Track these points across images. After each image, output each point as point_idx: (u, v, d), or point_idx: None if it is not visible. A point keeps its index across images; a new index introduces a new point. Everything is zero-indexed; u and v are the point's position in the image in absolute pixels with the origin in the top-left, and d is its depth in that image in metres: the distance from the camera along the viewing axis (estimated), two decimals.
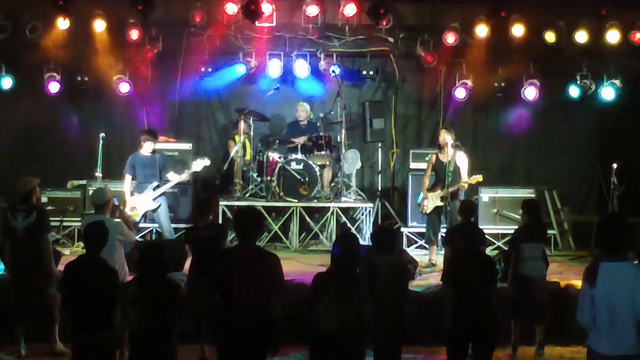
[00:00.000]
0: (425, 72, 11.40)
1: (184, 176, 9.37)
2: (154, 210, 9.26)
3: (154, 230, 10.04)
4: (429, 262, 9.06)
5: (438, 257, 9.06)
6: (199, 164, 9.51)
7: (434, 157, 9.07)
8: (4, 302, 7.08)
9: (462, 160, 8.90)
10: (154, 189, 9.14)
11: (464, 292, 5.78)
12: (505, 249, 8.95)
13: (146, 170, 9.21)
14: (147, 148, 9.24)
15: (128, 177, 9.22)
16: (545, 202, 10.69)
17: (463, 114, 11.55)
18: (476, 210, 8.01)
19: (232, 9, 10.51)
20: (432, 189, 9.03)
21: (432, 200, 8.95)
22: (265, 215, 9.71)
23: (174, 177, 9.26)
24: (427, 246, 9.59)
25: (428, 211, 9.05)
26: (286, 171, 10.27)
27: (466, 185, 8.81)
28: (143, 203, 9.13)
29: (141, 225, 9.67)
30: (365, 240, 10.00)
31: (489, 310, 5.79)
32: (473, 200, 8.69)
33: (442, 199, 8.76)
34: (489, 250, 9.65)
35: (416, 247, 10.30)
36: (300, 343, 5.75)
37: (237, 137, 10.55)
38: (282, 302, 5.19)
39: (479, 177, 8.86)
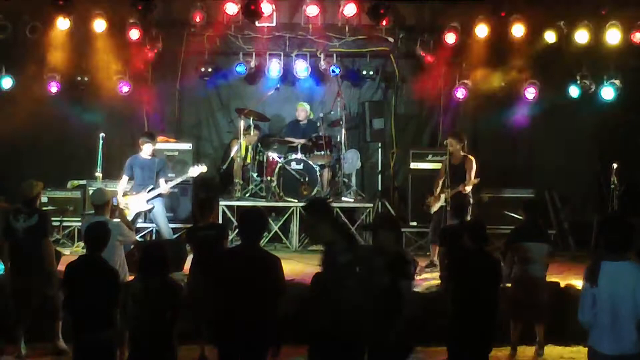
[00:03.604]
0: (425, 72, 11.38)
1: (168, 187, 9.30)
2: (149, 211, 9.27)
3: (154, 230, 10.04)
4: (429, 262, 9.06)
5: None
6: (195, 170, 9.52)
7: (447, 160, 9.12)
8: (4, 302, 7.10)
9: (469, 164, 8.94)
10: (148, 191, 9.15)
11: (464, 292, 5.78)
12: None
13: (144, 173, 9.22)
14: (146, 150, 9.26)
15: (124, 178, 9.26)
16: (545, 202, 10.69)
17: (463, 114, 11.55)
18: (466, 210, 8.08)
19: (232, 9, 10.51)
20: (443, 189, 9.05)
21: (440, 201, 8.99)
22: None
23: (162, 186, 9.23)
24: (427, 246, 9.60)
25: (433, 211, 9.09)
26: (286, 171, 10.29)
27: (466, 189, 8.83)
28: (136, 203, 9.14)
29: (141, 225, 9.70)
30: (365, 240, 10.00)
31: (489, 310, 5.80)
32: (463, 202, 8.73)
33: (445, 199, 8.81)
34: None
35: (416, 247, 10.30)
36: (300, 343, 5.74)
37: (244, 142, 10.54)
38: (283, 303, 5.19)
39: (475, 181, 8.91)
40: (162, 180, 9.25)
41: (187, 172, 9.57)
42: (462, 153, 9.02)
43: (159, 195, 9.21)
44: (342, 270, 4.94)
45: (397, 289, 5.08)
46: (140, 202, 9.15)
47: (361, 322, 4.89)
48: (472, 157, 9.07)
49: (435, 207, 9.10)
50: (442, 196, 8.96)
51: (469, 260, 5.94)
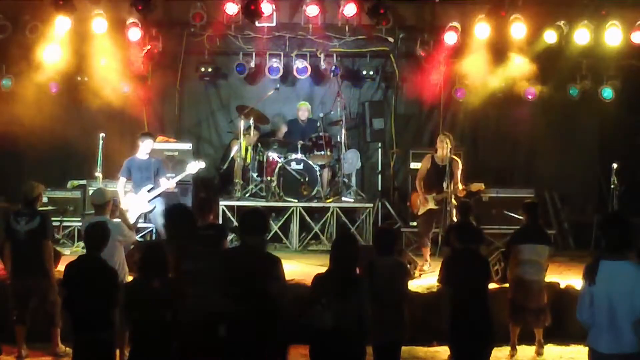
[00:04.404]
0: (425, 72, 11.38)
1: (173, 183, 9.35)
2: (150, 212, 9.28)
3: (154, 230, 10.04)
4: (425, 262, 9.03)
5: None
6: (194, 166, 9.53)
7: (430, 159, 9.06)
8: (5, 303, 7.10)
9: (456, 165, 8.92)
10: (148, 191, 9.16)
11: (462, 292, 5.80)
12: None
13: (142, 173, 9.24)
14: (145, 148, 9.26)
15: (122, 180, 9.27)
16: (545, 202, 10.69)
17: (463, 114, 11.55)
18: (472, 210, 8.05)
19: (232, 9, 10.50)
20: (428, 191, 9.00)
21: (429, 203, 8.94)
22: None
23: (164, 184, 9.26)
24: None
25: (421, 212, 9.05)
26: (286, 171, 10.29)
27: (464, 192, 8.80)
28: (137, 204, 9.14)
29: (141, 225, 9.69)
30: (365, 240, 10.00)
31: (486, 309, 5.82)
32: (469, 200, 8.71)
33: (438, 202, 8.77)
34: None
35: (416, 248, 10.29)
36: (301, 343, 5.75)
37: (244, 143, 10.54)
38: (284, 304, 5.18)
39: (480, 185, 8.88)
40: (163, 180, 9.26)
41: (185, 169, 9.58)
42: (448, 154, 8.97)
43: (160, 194, 9.22)
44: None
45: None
46: (141, 203, 9.16)
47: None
48: (458, 159, 9.06)
49: (422, 210, 9.01)
50: (430, 198, 8.90)
51: (460, 261, 5.97)
